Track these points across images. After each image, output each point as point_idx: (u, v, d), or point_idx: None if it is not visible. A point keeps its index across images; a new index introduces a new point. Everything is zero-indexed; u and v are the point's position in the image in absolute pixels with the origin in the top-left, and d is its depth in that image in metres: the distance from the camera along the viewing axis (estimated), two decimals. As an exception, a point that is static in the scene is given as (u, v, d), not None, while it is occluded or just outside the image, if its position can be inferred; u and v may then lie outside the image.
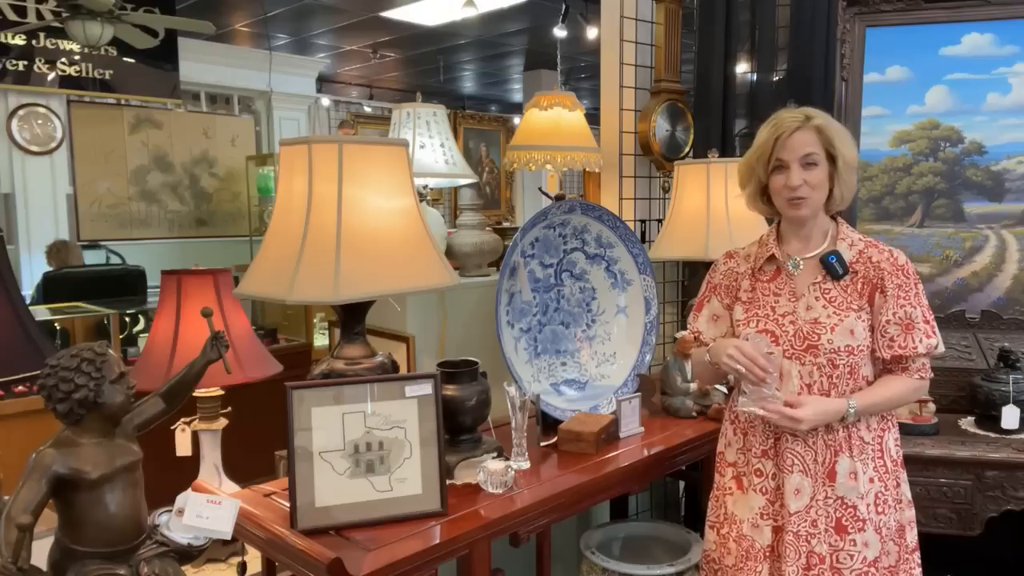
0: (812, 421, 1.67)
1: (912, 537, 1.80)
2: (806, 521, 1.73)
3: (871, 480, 1.74)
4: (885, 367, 1.77)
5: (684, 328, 2.25)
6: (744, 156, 1.87)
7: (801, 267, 1.80)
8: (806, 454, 1.75)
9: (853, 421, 1.73)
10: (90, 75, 6.18)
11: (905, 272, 1.75)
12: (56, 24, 4.88)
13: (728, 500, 1.86)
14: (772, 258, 1.84)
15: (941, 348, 1.76)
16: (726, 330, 1.90)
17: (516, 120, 10.26)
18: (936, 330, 1.75)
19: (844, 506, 1.72)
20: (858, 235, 1.83)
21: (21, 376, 1.81)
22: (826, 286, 1.77)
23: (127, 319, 4.75)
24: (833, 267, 1.76)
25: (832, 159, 1.74)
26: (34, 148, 6.13)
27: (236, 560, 1.89)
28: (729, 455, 1.89)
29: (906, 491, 1.81)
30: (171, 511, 1.51)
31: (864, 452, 1.74)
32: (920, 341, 1.72)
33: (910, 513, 1.81)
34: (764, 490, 1.79)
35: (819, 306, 1.75)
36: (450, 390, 1.84)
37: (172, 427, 2.03)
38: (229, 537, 1.51)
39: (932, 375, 1.79)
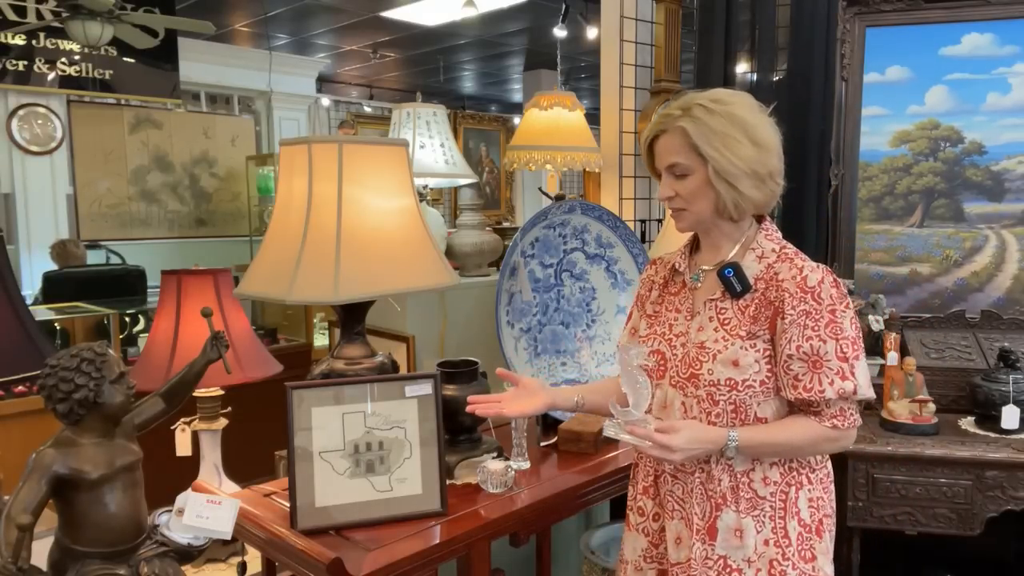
0: (686, 451, 1.37)
1: None
2: None
3: (766, 543, 1.43)
4: (794, 409, 1.46)
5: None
6: None
7: (702, 280, 1.53)
8: (684, 500, 1.49)
9: (744, 469, 1.43)
10: (90, 75, 6.18)
11: (816, 295, 1.39)
12: (56, 24, 4.88)
13: (623, 536, 1.64)
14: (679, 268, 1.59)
15: (865, 393, 1.40)
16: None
17: (516, 120, 10.26)
18: (857, 371, 1.39)
19: (728, 569, 1.42)
20: (776, 244, 1.49)
21: (21, 376, 1.81)
22: (723, 305, 1.47)
23: (127, 319, 4.75)
24: (729, 282, 1.46)
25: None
26: (34, 148, 6.13)
27: (236, 560, 1.89)
28: (630, 487, 1.66)
29: (825, 566, 1.47)
30: (171, 511, 1.51)
31: (758, 508, 1.43)
32: (830, 383, 1.38)
33: None
34: (646, 531, 1.56)
35: (711, 328, 1.47)
36: (450, 390, 1.84)
37: (172, 427, 2.03)
38: (229, 537, 1.51)
39: (859, 422, 1.44)
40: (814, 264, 1.44)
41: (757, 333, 1.43)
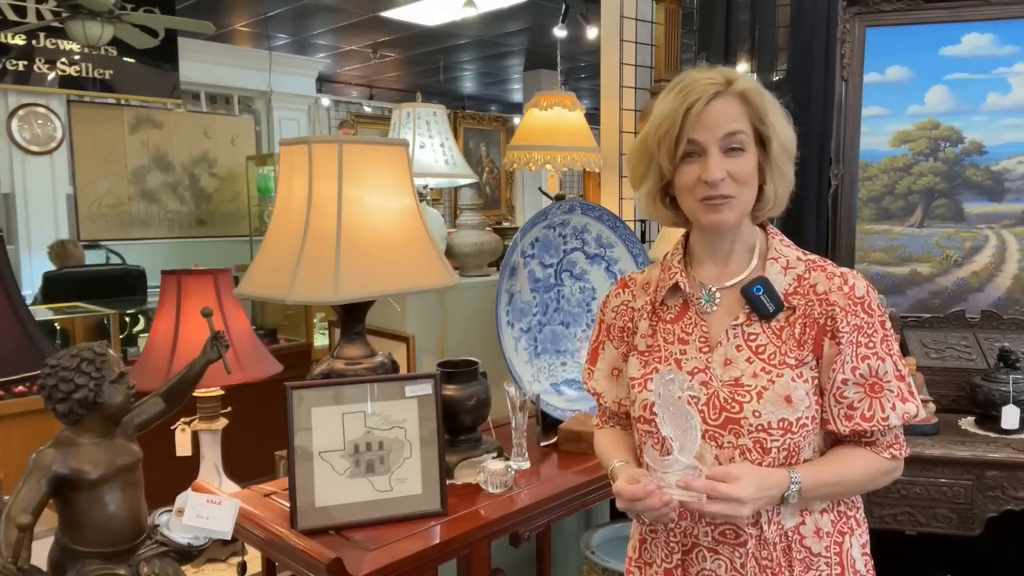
0: (755, 502, 1.11)
1: None
2: None
3: None
4: (839, 441, 1.24)
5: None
6: (638, 137, 1.29)
7: (718, 301, 1.26)
8: None
9: (794, 524, 1.20)
10: (90, 75, 6.18)
11: (866, 307, 1.19)
12: (56, 24, 4.88)
13: None
14: (677, 288, 1.29)
15: (922, 413, 1.22)
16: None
17: (516, 120, 10.26)
18: (914, 389, 1.21)
19: None
20: (797, 252, 1.27)
21: (21, 376, 1.81)
22: (751, 330, 1.22)
23: (127, 319, 4.75)
24: (759, 302, 1.20)
25: (762, 141, 1.22)
26: (34, 148, 6.13)
27: (236, 560, 1.89)
28: (633, 569, 1.34)
29: None
30: (171, 511, 1.51)
31: (813, 569, 1.20)
32: (892, 408, 1.18)
33: None
34: None
35: (742, 360, 1.20)
36: (450, 390, 1.84)
37: (172, 427, 2.03)
38: (229, 537, 1.51)
39: (908, 452, 1.25)
40: (849, 270, 1.24)
41: (805, 359, 1.19)
